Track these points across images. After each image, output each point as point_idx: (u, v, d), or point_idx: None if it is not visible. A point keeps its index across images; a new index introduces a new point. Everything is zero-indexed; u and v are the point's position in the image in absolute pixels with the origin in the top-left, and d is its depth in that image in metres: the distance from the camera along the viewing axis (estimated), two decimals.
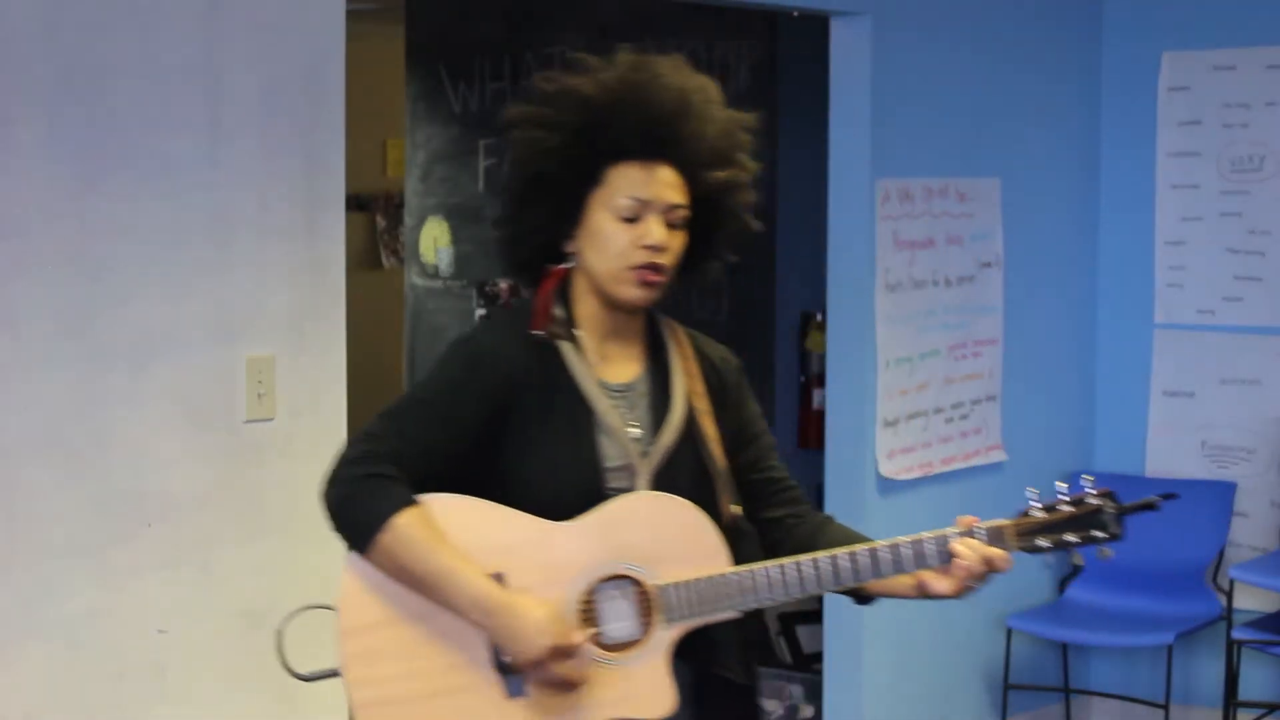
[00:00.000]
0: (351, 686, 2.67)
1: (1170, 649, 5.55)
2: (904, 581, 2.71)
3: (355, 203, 4.17)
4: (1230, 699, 5.53)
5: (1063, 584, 6.00)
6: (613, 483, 2.69)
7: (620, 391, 2.75)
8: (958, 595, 2.68)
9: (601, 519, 2.65)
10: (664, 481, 2.70)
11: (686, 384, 2.77)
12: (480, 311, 7.17)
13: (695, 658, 2.69)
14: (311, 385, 4.07)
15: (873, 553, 2.66)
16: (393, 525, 2.61)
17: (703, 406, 2.77)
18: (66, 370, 3.71)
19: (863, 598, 2.80)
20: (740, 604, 2.66)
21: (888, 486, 5.34)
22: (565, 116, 2.70)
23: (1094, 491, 2.70)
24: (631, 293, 2.70)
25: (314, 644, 2.81)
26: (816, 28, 5.57)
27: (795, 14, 5.64)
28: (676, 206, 2.70)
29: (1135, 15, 6.04)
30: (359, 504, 2.64)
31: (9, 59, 3.63)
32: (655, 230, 2.68)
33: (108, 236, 3.76)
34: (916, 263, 5.48)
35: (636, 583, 2.65)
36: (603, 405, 2.70)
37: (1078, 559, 2.74)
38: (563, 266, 2.75)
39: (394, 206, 8.83)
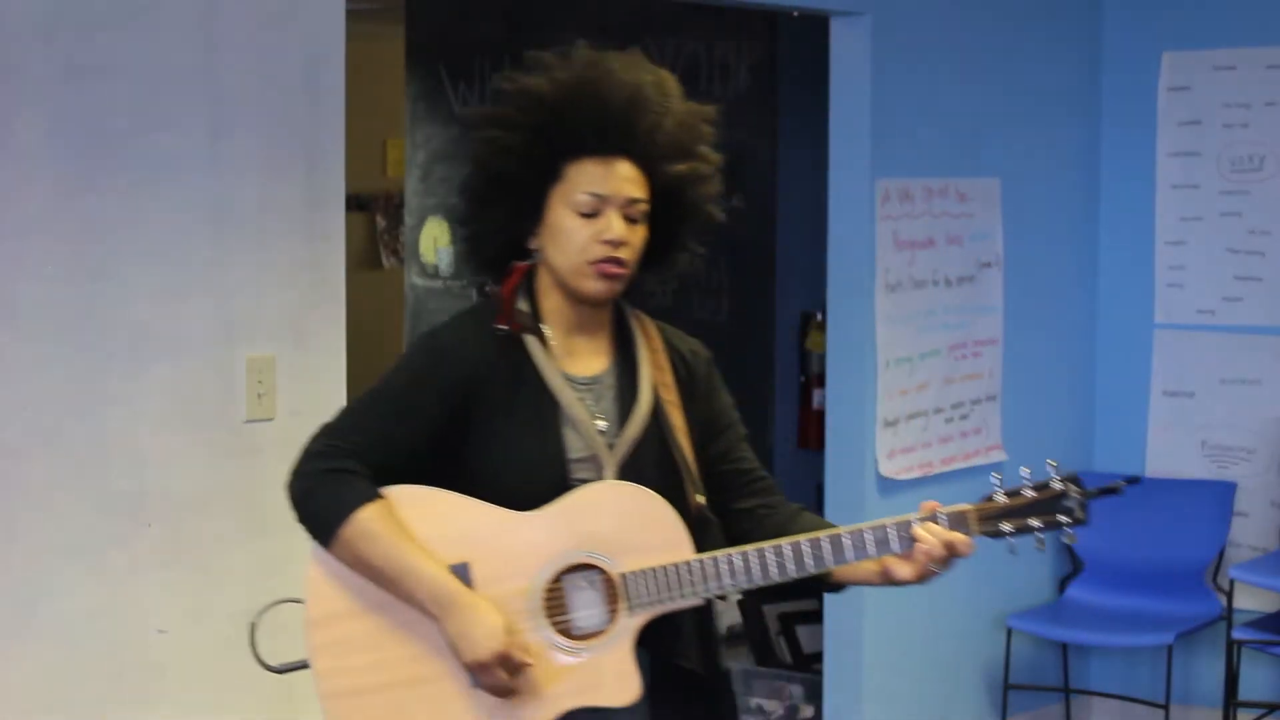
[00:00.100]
0: (318, 677, 2.70)
1: (1170, 649, 5.55)
2: (868, 568, 2.72)
3: (355, 203, 4.16)
4: (1230, 699, 5.52)
5: (1063, 584, 6.00)
6: (578, 474, 2.72)
7: (586, 384, 2.77)
8: (920, 580, 2.70)
9: (565, 508, 2.68)
10: (630, 473, 2.72)
11: (654, 376, 2.80)
12: None
13: (652, 647, 2.71)
14: (311, 385, 4.07)
15: (835, 539, 2.67)
16: (354, 519, 2.65)
17: (671, 398, 2.79)
18: (66, 370, 3.71)
19: (830, 586, 2.81)
20: (704, 591, 2.67)
21: (888, 486, 5.34)
22: (522, 115, 2.73)
23: (1058, 477, 2.71)
24: (592, 286, 2.73)
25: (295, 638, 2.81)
26: (816, 28, 5.57)
27: (795, 14, 5.64)
28: (636, 201, 2.73)
29: (1135, 15, 6.04)
30: (321, 497, 2.68)
31: (9, 59, 3.63)
32: (615, 225, 2.71)
33: (108, 236, 3.76)
34: (916, 263, 5.48)
35: (602, 572, 2.67)
36: (567, 398, 2.73)
37: (1041, 545, 2.73)
38: (526, 263, 2.78)
39: (394, 206, 8.83)
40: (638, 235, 2.74)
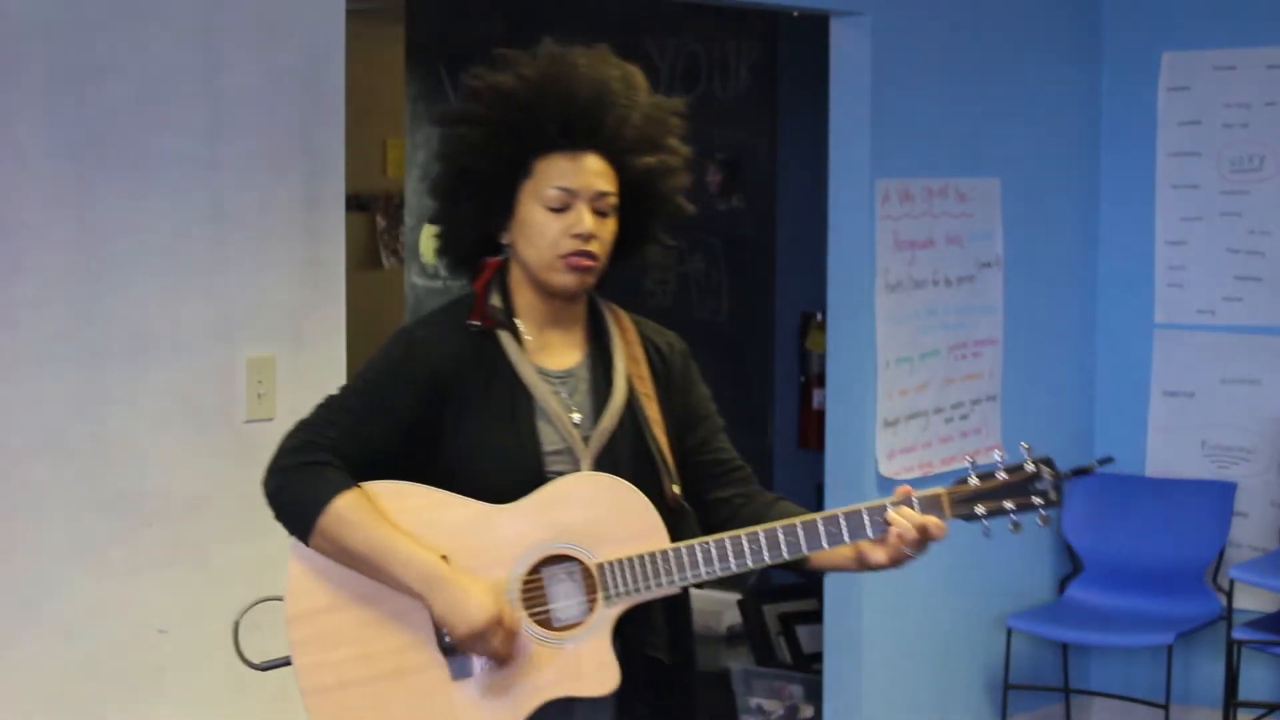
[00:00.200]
0: (300, 673, 2.73)
1: (1170, 649, 5.55)
2: (844, 554, 2.75)
3: (355, 203, 4.17)
4: (1230, 699, 5.52)
5: (1063, 584, 6.00)
6: (553, 467, 2.74)
7: (560, 377, 2.79)
8: (894, 564, 2.72)
9: (541, 500, 2.70)
10: (605, 464, 2.74)
11: (628, 368, 2.81)
12: None
13: (623, 637, 2.72)
14: (311, 385, 4.06)
15: (810, 525, 2.69)
16: (331, 508, 2.68)
17: (645, 390, 2.81)
18: (66, 370, 3.71)
19: (806, 573, 2.83)
20: (680, 579, 2.69)
21: (888, 486, 5.34)
22: (491, 112, 2.76)
23: (1031, 459, 2.73)
24: (563, 279, 2.75)
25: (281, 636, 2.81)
26: (816, 28, 5.57)
27: (795, 14, 5.64)
28: (604, 194, 2.75)
29: (1135, 15, 6.04)
30: (297, 491, 2.71)
31: (9, 59, 3.63)
32: (585, 219, 2.73)
33: (108, 236, 3.76)
34: (916, 263, 5.48)
35: (580, 563, 2.69)
36: (541, 391, 2.75)
37: (1016, 527, 2.74)
38: (498, 258, 2.80)
39: (394, 206, 8.83)
40: (607, 229, 2.77)
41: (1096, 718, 6.10)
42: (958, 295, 5.63)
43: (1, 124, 3.63)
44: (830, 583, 5.42)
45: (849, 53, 5.34)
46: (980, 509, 2.72)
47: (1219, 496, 5.85)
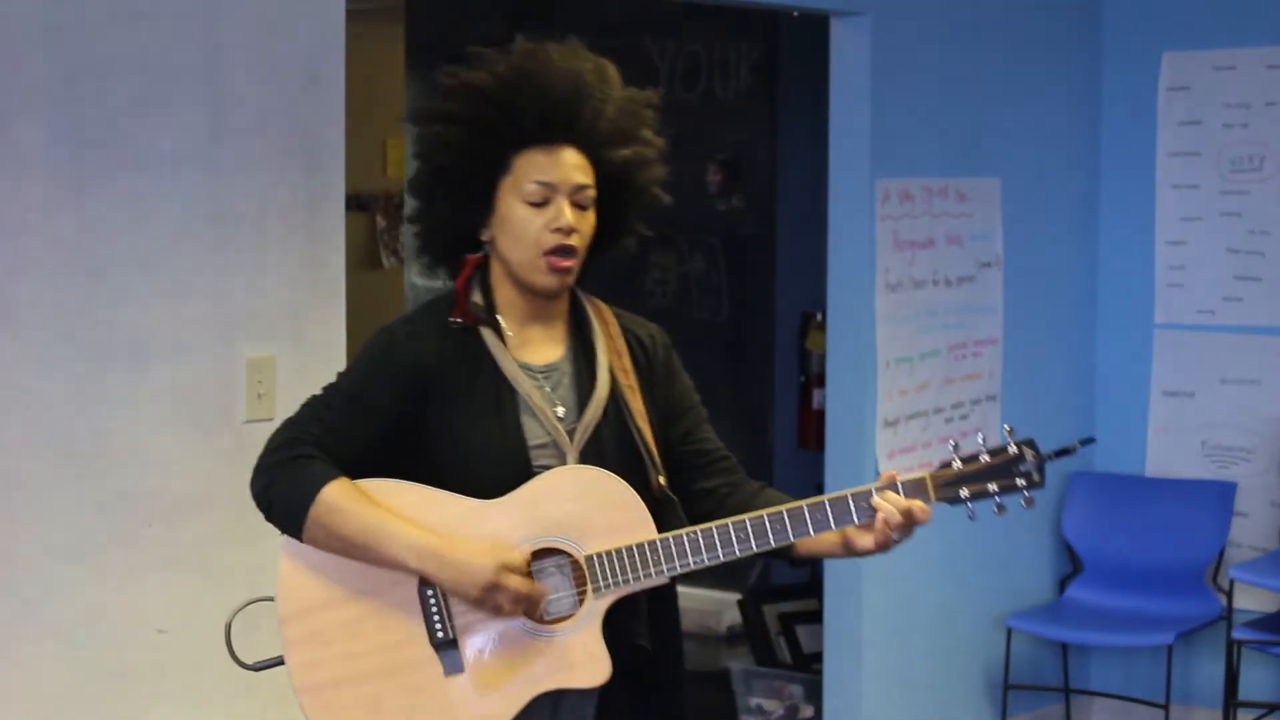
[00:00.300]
0: (293, 671, 2.74)
1: (1170, 649, 5.55)
2: (830, 540, 2.76)
3: (355, 203, 4.17)
4: (1230, 699, 5.52)
5: (1063, 584, 6.00)
6: (539, 461, 2.75)
7: (543, 372, 2.80)
8: (880, 549, 2.73)
9: (529, 494, 2.71)
10: (590, 457, 2.76)
11: (611, 360, 2.83)
12: None
13: (610, 628, 2.73)
14: (311, 385, 4.02)
15: (796, 512, 2.71)
16: (321, 498, 2.69)
17: (628, 382, 2.83)
18: (66, 370, 3.71)
19: (793, 560, 2.84)
20: (668, 569, 2.71)
21: None
22: (467, 109, 2.77)
23: (1013, 441, 2.74)
24: (545, 280, 2.76)
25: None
26: (816, 28, 5.57)
27: (795, 14, 5.64)
28: (583, 187, 2.77)
29: (1135, 15, 6.04)
30: (285, 486, 2.72)
31: (9, 59, 3.63)
32: (565, 212, 2.74)
33: (108, 236, 3.76)
34: (916, 263, 5.48)
35: (569, 555, 2.71)
36: (525, 386, 2.76)
37: (1000, 510, 2.75)
38: (478, 255, 2.81)
39: (394, 206, 8.83)
40: (587, 222, 2.78)
41: (1096, 718, 6.10)
42: (958, 295, 5.63)
43: (1, 124, 3.63)
44: (830, 583, 5.43)
45: (849, 53, 5.33)
46: (964, 492, 2.74)
47: (1219, 496, 5.85)
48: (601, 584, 2.69)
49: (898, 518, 2.69)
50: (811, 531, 2.71)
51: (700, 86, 7.23)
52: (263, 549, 3.92)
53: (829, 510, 2.71)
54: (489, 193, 2.77)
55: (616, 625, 2.72)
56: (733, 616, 6.92)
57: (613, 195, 2.81)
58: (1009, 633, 5.72)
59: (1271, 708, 5.68)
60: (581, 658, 2.69)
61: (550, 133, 2.75)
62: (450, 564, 2.66)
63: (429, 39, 7.42)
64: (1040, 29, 5.89)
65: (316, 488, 2.69)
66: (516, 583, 2.66)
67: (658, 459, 2.81)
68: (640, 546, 2.70)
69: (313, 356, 4.05)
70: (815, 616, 6.06)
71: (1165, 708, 5.60)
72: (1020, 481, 2.73)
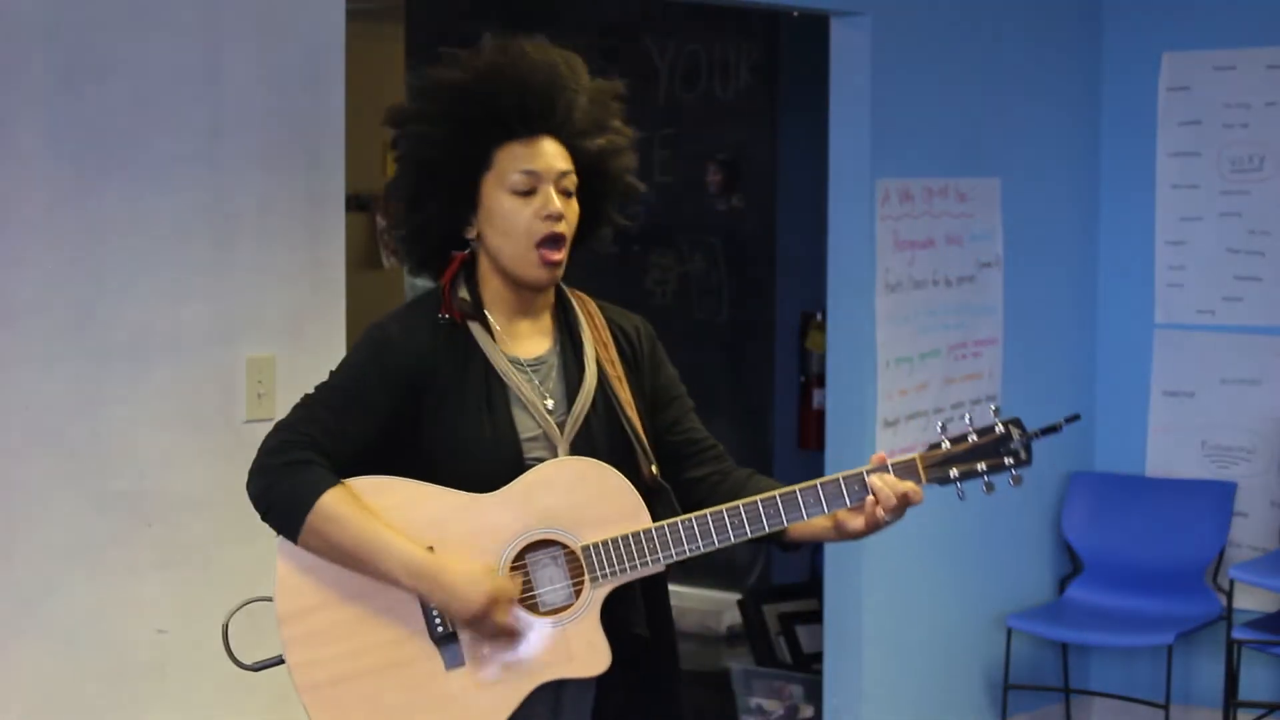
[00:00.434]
0: (294, 670, 2.75)
1: (1170, 649, 5.55)
2: (822, 524, 2.79)
3: (355, 203, 4.17)
4: (1230, 699, 5.52)
5: (1063, 584, 6.00)
6: (531, 453, 2.77)
7: (532, 365, 2.82)
8: (871, 531, 2.76)
9: (523, 487, 2.73)
10: (581, 448, 2.78)
11: (598, 352, 2.85)
12: None
13: (607, 616, 2.74)
14: (311, 385, 4.06)
15: (790, 496, 2.74)
16: (318, 506, 2.70)
17: (616, 373, 2.85)
18: (66, 370, 3.71)
19: (785, 545, 2.86)
20: (665, 557, 2.73)
21: None
22: (446, 108, 2.79)
23: (1000, 420, 2.78)
24: (536, 273, 2.79)
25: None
26: (816, 28, 5.57)
27: (795, 14, 5.64)
28: (566, 173, 2.80)
29: (1135, 15, 6.04)
30: (283, 491, 2.72)
31: (9, 59, 3.63)
32: (553, 199, 2.77)
33: (108, 236, 3.76)
34: (916, 263, 5.48)
35: (565, 547, 2.72)
36: (515, 379, 2.78)
37: (989, 489, 2.79)
38: (464, 252, 2.83)
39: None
40: (572, 210, 2.81)
41: (1096, 718, 6.10)
42: (958, 295, 5.63)
43: (1, 124, 3.63)
44: (830, 583, 5.43)
45: (849, 53, 5.33)
46: (954, 471, 2.77)
47: (1219, 496, 5.85)
48: (599, 574, 2.72)
49: (892, 500, 2.73)
50: (805, 515, 2.74)
51: (700, 86, 7.23)
52: (262, 548, 3.92)
53: (821, 493, 2.74)
54: (473, 189, 2.79)
55: (614, 615, 2.74)
56: (733, 616, 6.93)
57: (590, 185, 2.84)
58: (1009, 633, 5.72)
59: (1271, 708, 5.68)
60: (581, 648, 2.71)
61: (530, 124, 2.78)
62: (441, 586, 2.68)
63: (429, 39, 7.41)
64: (1040, 29, 5.89)
65: (315, 496, 2.70)
66: (502, 618, 2.68)
67: (648, 448, 2.83)
68: (636, 535, 2.72)
69: (313, 356, 4.05)
70: (815, 616, 6.06)
71: (1165, 708, 5.60)
72: (1008, 460, 2.77)
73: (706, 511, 2.74)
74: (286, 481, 2.72)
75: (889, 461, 2.77)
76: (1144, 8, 6.03)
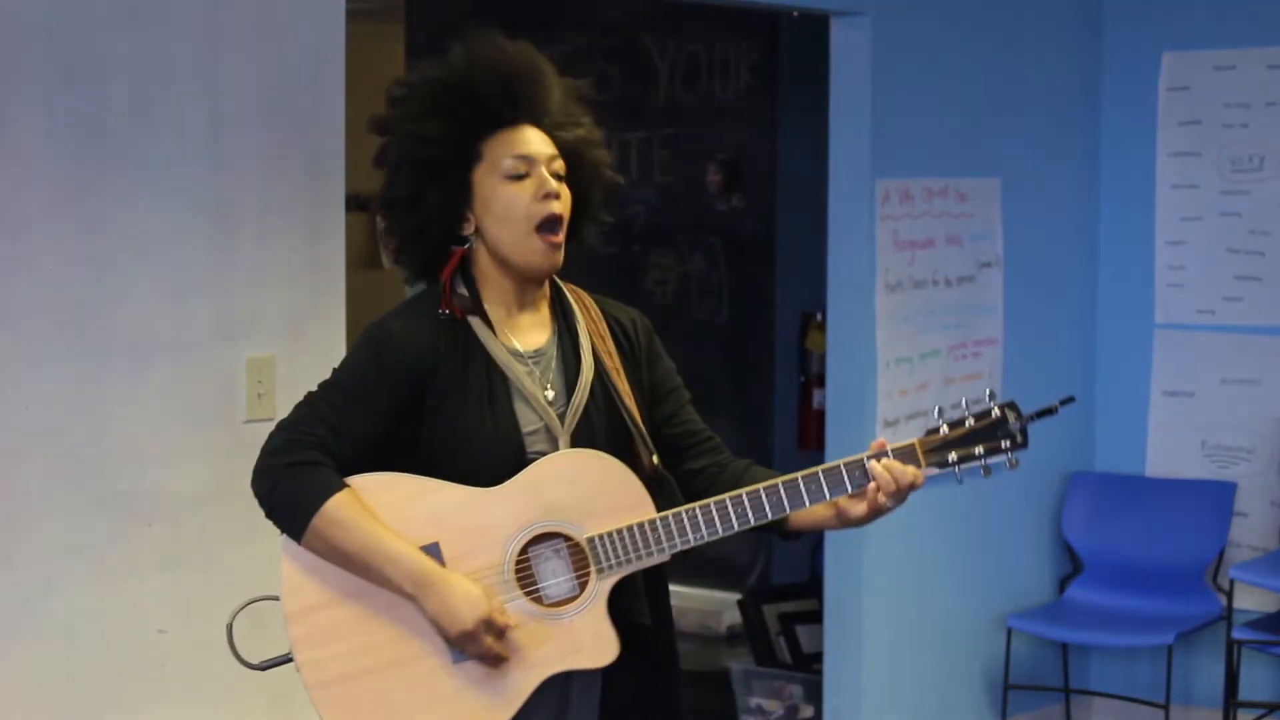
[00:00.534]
0: (303, 668, 2.75)
1: (1170, 649, 5.55)
2: (823, 512, 2.82)
3: (355, 203, 4.17)
4: (1230, 699, 5.52)
5: (1063, 584, 6.00)
6: (533, 446, 2.78)
7: (532, 358, 2.83)
8: (873, 517, 2.79)
9: (527, 480, 2.75)
10: (582, 439, 2.79)
11: (595, 344, 2.87)
12: None
13: (611, 607, 2.76)
14: (311, 385, 4.06)
15: (792, 483, 2.76)
16: (323, 510, 2.71)
17: (614, 365, 2.87)
18: (66, 370, 3.71)
19: (787, 534, 2.88)
20: (670, 547, 2.75)
21: None
22: (432, 104, 2.82)
23: (996, 404, 2.83)
24: (539, 259, 2.80)
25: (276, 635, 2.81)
26: (816, 28, 5.57)
27: (795, 14, 5.64)
28: (555, 157, 2.83)
29: (1135, 15, 6.04)
30: (289, 492, 2.73)
31: (9, 59, 3.63)
32: (548, 179, 2.80)
33: (108, 236, 3.76)
34: (916, 263, 5.48)
35: (568, 539, 2.74)
36: (516, 371, 2.80)
37: (986, 472, 2.84)
38: (462, 248, 2.84)
39: None
40: (566, 194, 2.83)
41: (1096, 718, 6.10)
42: (958, 295, 5.63)
43: (1, 124, 3.63)
44: (830, 583, 5.43)
45: (849, 53, 5.33)
46: (953, 456, 2.81)
47: (1219, 496, 5.85)
48: (605, 564, 2.73)
49: (893, 485, 2.76)
50: (807, 502, 2.76)
51: (700, 86, 7.23)
52: (263, 548, 3.92)
53: (823, 479, 2.77)
54: (466, 185, 2.81)
55: (617, 605, 2.76)
56: (733, 616, 6.92)
57: (573, 176, 2.86)
58: (1009, 633, 5.72)
59: (1271, 708, 5.68)
60: (590, 639, 2.73)
61: (516, 112, 2.82)
62: (438, 598, 2.69)
63: (429, 39, 7.41)
64: (1040, 29, 5.89)
65: (320, 500, 2.71)
66: (489, 644, 2.69)
67: (648, 438, 2.85)
68: (641, 526, 2.74)
69: (313, 356, 4.05)
70: (815, 616, 6.06)
71: (1165, 708, 5.60)
72: (1005, 443, 2.82)
73: (710, 501, 2.76)
74: (292, 484, 2.73)
75: (889, 447, 2.79)
76: (1144, 8, 6.03)
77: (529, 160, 2.80)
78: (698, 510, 2.75)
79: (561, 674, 2.74)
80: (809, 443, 6.92)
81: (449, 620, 2.68)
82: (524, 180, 2.79)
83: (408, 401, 2.76)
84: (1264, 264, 5.86)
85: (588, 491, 2.75)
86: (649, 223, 7.25)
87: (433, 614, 2.70)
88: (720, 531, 2.75)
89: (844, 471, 2.77)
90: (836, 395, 5.41)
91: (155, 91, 3.82)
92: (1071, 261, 6.07)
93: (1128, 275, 6.09)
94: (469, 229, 2.83)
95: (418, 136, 2.81)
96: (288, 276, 4.03)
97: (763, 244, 7.20)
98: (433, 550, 2.73)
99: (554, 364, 2.84)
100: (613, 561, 2.73)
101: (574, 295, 2.93)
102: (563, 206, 2.81)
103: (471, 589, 2.69)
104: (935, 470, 2.80)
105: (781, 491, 2.76)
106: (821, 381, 5.98)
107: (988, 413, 2.82)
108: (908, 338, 5.46)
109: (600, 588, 2.73)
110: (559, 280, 2.92)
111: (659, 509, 2.76)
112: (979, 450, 2.80)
